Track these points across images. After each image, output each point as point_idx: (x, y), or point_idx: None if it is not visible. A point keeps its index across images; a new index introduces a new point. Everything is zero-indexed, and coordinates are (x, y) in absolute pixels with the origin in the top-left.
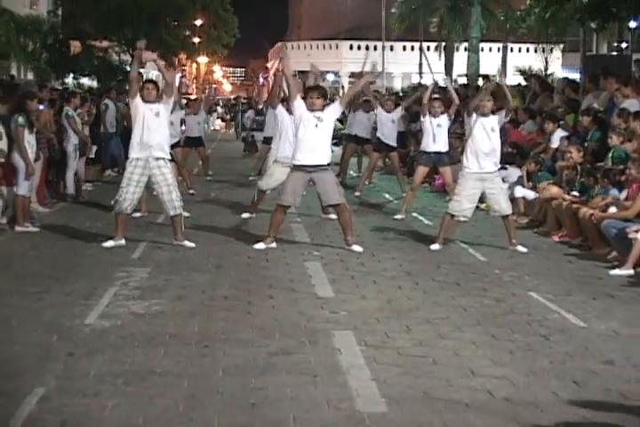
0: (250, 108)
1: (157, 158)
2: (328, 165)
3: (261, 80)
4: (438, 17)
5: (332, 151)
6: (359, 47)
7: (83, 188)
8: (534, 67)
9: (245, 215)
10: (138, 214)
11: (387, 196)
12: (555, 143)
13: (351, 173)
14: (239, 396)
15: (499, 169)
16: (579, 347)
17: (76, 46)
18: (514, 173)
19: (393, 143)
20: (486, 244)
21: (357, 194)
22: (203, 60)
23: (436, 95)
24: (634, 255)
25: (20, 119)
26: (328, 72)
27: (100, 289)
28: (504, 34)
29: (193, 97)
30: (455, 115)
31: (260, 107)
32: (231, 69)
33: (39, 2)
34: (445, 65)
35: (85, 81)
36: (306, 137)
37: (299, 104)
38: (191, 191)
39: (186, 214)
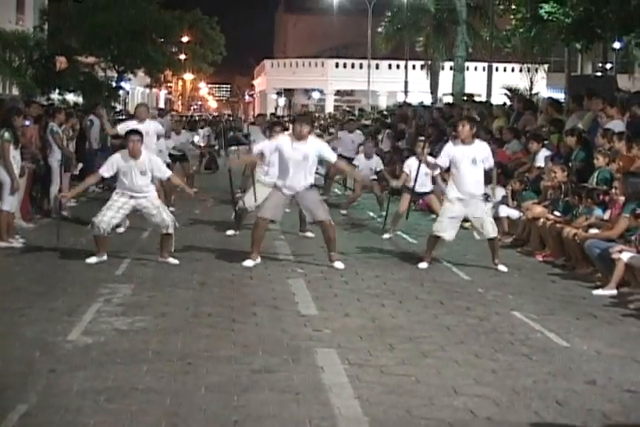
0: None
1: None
2: (311, 185)
3: (247, 97)
4: (424, 36)
5: (318, 171)
6: (345, 65)
7: (67, 204)
8: (520, 86)
9: (230, 232)
10: (121, 230)
11: (370, 214)
12: (539, 162)
13: (336, 190)
14: (222, 413)
15: (483, 194)
16: (561, 367)
17: (61, 62)
18: (498, 192)
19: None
20: (470, 263)
21: (343, 212)
22: (188, 76)
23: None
24: (617, 275)
25: (6, 134)
26: (314, 90)
27: (84, 305)
28: (489, 53)
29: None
30: None
31: (244, 131)
32: (217, 86)
33: (25, 17)
34: (431, 84)
35: (70, 97)
36: (290, 170)
37: (278, 145)
38: (171, 209)
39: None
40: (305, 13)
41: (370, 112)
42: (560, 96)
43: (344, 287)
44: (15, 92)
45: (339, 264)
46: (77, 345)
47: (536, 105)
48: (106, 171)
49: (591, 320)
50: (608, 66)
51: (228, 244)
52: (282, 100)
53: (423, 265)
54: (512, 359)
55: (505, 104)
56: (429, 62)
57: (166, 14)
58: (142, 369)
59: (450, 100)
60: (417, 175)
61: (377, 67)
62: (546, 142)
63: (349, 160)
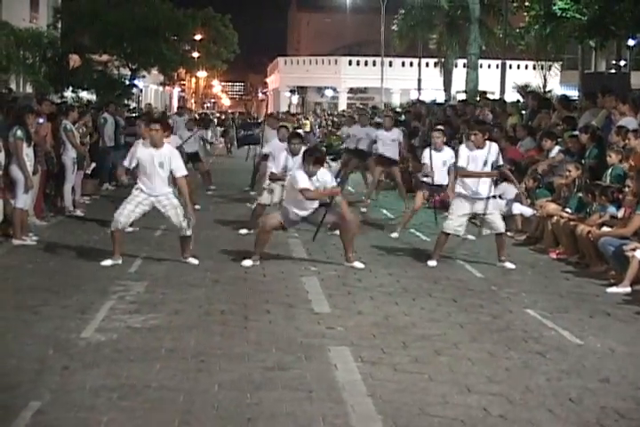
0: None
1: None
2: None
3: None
4: (437, 33)
5: (330, 167)
6: (358, 63)
7: (81, 201)
8: (533, 84)
9: (243, 231)
10: (130, 229)
11: (385, 212)
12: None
13: (349, 188)
14: (235, 411)
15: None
16: (575, 364)
17: (75, 60)
18: (511, 189)
19: (395, 157)
20: (483, 260)
21: (363, 210)
22: (202, 74)
23: (440, 127)
24: (631, 273)
25: (19, 132)
26: (327, 88)
27: (97, 303)
28: (502, 51)
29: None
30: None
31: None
32: (230, 84)
33: (39, 16)
34: (444, 81)
35: (84, 94)
36: (297, 201)
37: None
38: (197, 206)
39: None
40: (318, 11)
41: (382, 110)
42: (574, 93)
43: (357, 285)
44: (29, 90)
45: (358, 264)
46: (90, 343)
47: (551, 103)
48: (128, 161)
49: (605, 318)
50: (622, 63)
51: (241, 242)
52: (295, 98)
53: (432, 263)
54: (525, 357)
55: (518, 101)
56: (443, 60)
57: (179, 12)
58: (155, 367)
59: (463, 97)
60: (432, 166)
61: (390, 64)
62: (559, 140)
63: (366, 155)
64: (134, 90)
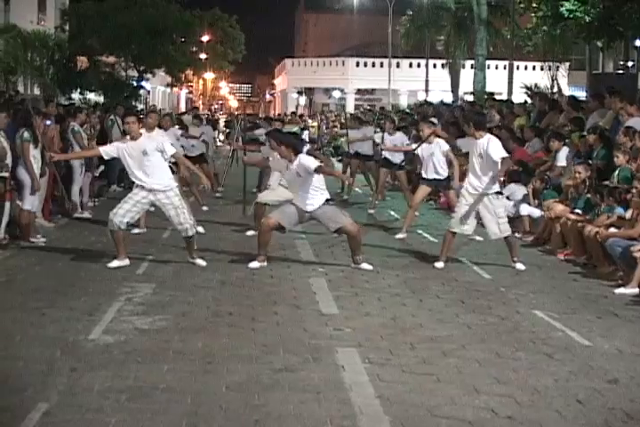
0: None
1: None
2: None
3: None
4: (445, 34)
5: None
6: (365, 64)
7: (89, 204)
8: (541, 84)
9: (250, 233)
10: (136, 231)
11: (392, 213)
12: (560, 161)
13: (357, 189)
14: (242, 412)
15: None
16: (583, 366)
17: (82, 62)
18: (519, 190)
19: (398, 161)
20: (491, 261)
21: (371, 212)
22: (209, 76)
23: (432, 119)
24: (638, 274)
25: (26, 134)
26: (334, 89)
27: (105, 304)
28: (510, 51)
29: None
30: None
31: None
32: (237, 86)
33: (46, 18)
34: (452, 82)
35: (92, 96)
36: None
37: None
38: (205, 208)
39: (201, 230)
40: (325, 12)
41: (389, 111)
42: (581, 94)
43: (365, 286)
44: (36, 91)
45: (366, 265)
46: (98, 344)
47: (559, 103)
48: (105, 150)
49: (613, 319)
50: (629, 64)
51: (248, 243)
52: (302, 100)
53: (439, 265)
54: (533, 358)
55: (526, 102)
56: (450, 61)
57: (186, 13)
58: (163, 368)
59: (471, 98)
60: (424, 160)
61: (398, 65)
62: (567, 141)
63: (368, 158)
64: (142, 91)
